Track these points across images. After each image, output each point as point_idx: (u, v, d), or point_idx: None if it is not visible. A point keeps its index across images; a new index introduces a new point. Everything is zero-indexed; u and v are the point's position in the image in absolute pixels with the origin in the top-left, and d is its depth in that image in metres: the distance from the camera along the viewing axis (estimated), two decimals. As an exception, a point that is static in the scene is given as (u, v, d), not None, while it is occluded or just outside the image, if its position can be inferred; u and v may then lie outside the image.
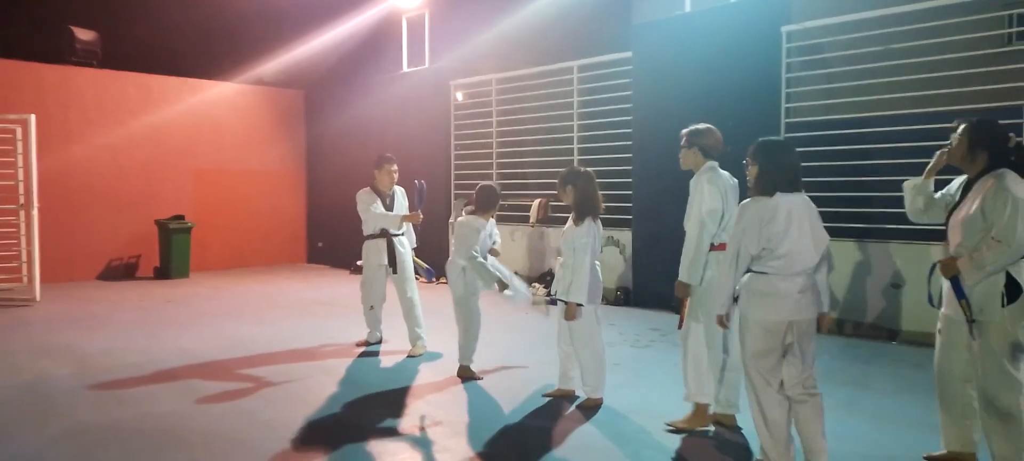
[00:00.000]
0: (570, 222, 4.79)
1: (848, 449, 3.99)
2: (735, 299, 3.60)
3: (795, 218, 3.44)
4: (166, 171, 12.31)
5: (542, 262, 10.06)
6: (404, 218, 6.33)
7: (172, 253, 11.55)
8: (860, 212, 7.16)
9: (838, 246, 7.12)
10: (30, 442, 4.19)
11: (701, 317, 4.23)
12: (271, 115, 13.71)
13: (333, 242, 13.36)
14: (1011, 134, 3.46)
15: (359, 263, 6.66)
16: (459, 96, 11.60)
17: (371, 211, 6.32)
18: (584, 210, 4.69)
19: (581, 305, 4.61)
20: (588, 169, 4.92)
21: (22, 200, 9.52)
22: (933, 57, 6.70)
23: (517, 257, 10.24)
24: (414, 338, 6.37)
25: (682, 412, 4.43)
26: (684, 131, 4.40)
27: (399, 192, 6.58)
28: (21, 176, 9.49)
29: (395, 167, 6.48)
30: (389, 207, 6.44)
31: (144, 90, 12.13)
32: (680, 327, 4.37)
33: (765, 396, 3.47)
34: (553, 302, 4.82)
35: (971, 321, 3.36)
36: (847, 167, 7.13)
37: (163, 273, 11.69)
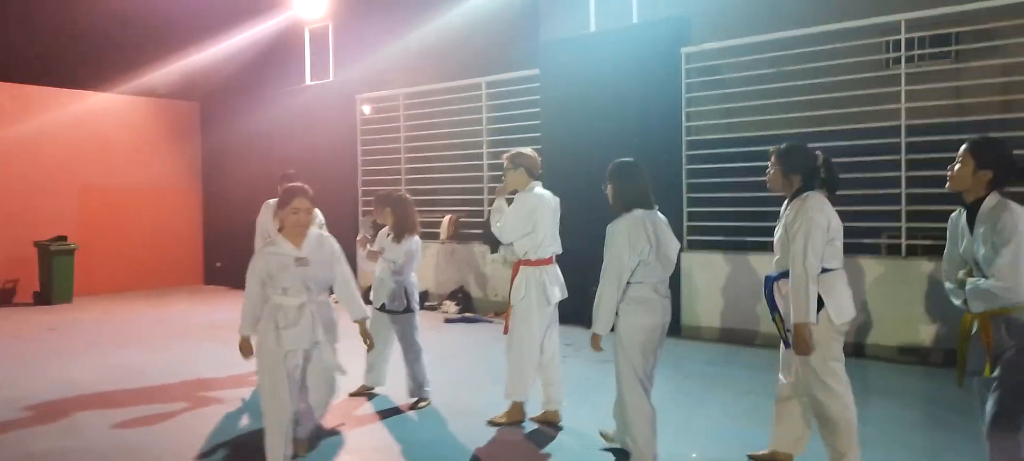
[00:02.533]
0: (390, 239, 5.36)
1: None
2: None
3: (658, 231, 3.86)
4: (47, 188, 11.45)
5: (452, 278, 9.97)
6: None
7: (53, 276, 10.73)
8: (759, 226, 7.47)
9: (739, 259, 7.40)
10: None
11: (519, 324, 4.64)
12: (163, 128, 13.02)
13: (232, 261, 12.76)
14: (817, 152, 3.76)
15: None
16: (366, 110, 11.38)
17: (256, 235, 6.25)
18: (403, 230, 5.33)
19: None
20: (404, 194, 5.58)
21: None
22: (822, 79, 7.09)
23: (427, 273, 10.10)
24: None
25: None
26: (510, 153, 4.85)
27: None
28: None
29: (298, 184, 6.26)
30: None
31: (21, 101, 11.26)
32: (505, 332, 4.76)
33: (645, 397, 3.83)
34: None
35: (787, 331, 3.64)
36: (745, 183, 7.42)
37: (44, 298, 10.83)
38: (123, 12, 13.28)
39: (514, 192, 4.78)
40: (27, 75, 11.62)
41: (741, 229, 7.45)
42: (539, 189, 4.76)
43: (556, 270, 4.79)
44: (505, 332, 4.79)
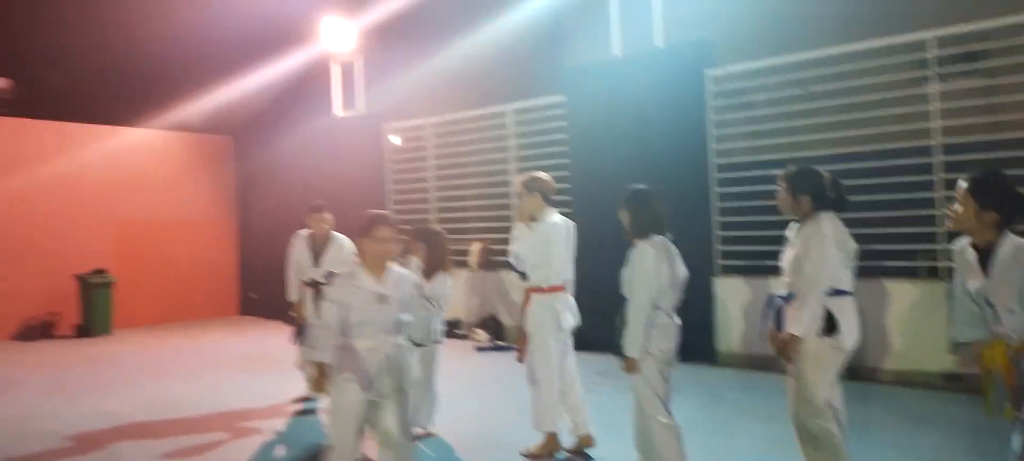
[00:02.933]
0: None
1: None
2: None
3: (672, 257, 3.93)
4: (86, 223, 11.75)
5: (485, 306, 9.98)
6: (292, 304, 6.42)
7: (93, 310, 10.98)
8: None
9: (771, 284, 7.30)
10: (-69, 528, 3.84)
11: (537, 354, 4.64)
12: (198, 162, 13.32)
13: (266, 292, 12.93)
14: (825, 173, 3.77)
15: (296, 329, 6.48)
16: (394, 140, 11.52)
17: (288, 264, 6.43)
18: (436, 266, 5.27)
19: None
20: (439, 229, 5.58)
21: (-75, 259, 8.92)
22: (852, 99, 7.02)
23: (456, 301, 10.12)
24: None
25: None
26: (525, 177, 4.89)
27: (337, 242, 6.42)
28: (-76, 233, 8.91)
29: (326, 216, 6.38)
30: (319, 254, 6.32)
31: (62, 138, 11.62)
32: (520, 361, 4.80)
33: (670, 415, 3.87)
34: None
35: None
36: (776, 206, 7.34)
37: (84, 331, 11.07)
38: (158, 49, 13.66)
39: (532, 217, 4.79)
40: (67, 113, 11.99)
41: (775, 253, 7.35)
42: (554, 216, 4.77)
43: (568, 297, 4.80)
44: (519, 361, 4.83)
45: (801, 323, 3.53)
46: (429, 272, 5.24)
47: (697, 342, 7.54)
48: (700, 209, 7.73)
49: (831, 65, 7.14)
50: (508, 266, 9.65)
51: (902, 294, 6.57)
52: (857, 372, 6.65)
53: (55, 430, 5.64)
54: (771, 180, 7.37)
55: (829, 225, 3.59)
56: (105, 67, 13.77)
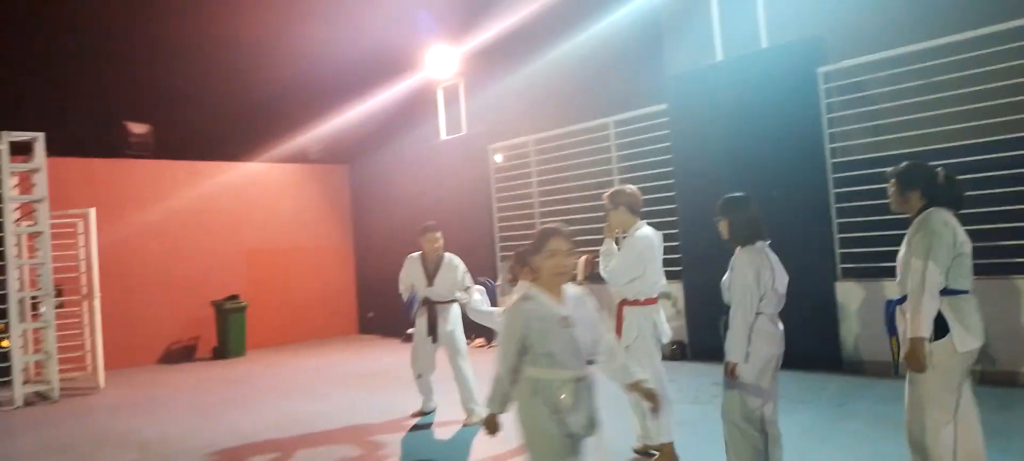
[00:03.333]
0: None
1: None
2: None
3: (773, 263, 3.87)
4: (218, 253, 12.65)
5: (591, 319, 9.93)
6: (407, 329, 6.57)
7: (228, 333, 11.78)
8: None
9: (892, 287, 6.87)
10: (98, 535, 4.23)
11: (646, 366, 4.52)
12: (317, 190, 14.07)
13: (383, 311, 13.45)
14: (939, 169, 3.62)
15: (409, 332, 6.70)
16: (498, 159, 11.73)
17: (400, 286, 6.61)
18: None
19: None
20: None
21: (84, 291, 9.87)
22: (976, 88, 6.54)
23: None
24: (467, 406, 6.32)
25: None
26: (610, 192, 4.93)
27: (448, 260, 6.58)
28: (83, 268, 9.86)
29: (438, 234, 6.55)
30: (432, 274, 6.49)
31: (194, 176, 12.59)
32: None
33: (751, 427, 3.83)
34: None
35: (897, 358, 3.53)
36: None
37: (221, 353, 11.90)
38: (276, 89, 14.60)
39: (623, 232, 4.78)
40: (197, 152, 12.99)
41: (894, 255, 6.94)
42: (645, 229, 4.76)
43: (661, 310, 4.77)
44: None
45: (912, 326, 3.36)
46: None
47: (820, 349, 7.22)
48: (818, 212, 7.39)
49: (951, 53, 6.69)
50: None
51: (1050, 293, 6.02)
52: (997, 377, 6.16)
53: (199, 447, 6.09)
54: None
55: (939, 222, 3.43)
56: (229, 108, 14.84)
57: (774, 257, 3.93)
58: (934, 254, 3.36)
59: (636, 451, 4.95)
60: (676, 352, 8.68)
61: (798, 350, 7.23)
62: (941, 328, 3.38)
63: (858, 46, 7.33)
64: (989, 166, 6.38)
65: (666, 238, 8.88)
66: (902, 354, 3.46)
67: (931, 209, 3.52)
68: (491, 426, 3.17)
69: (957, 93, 6.68)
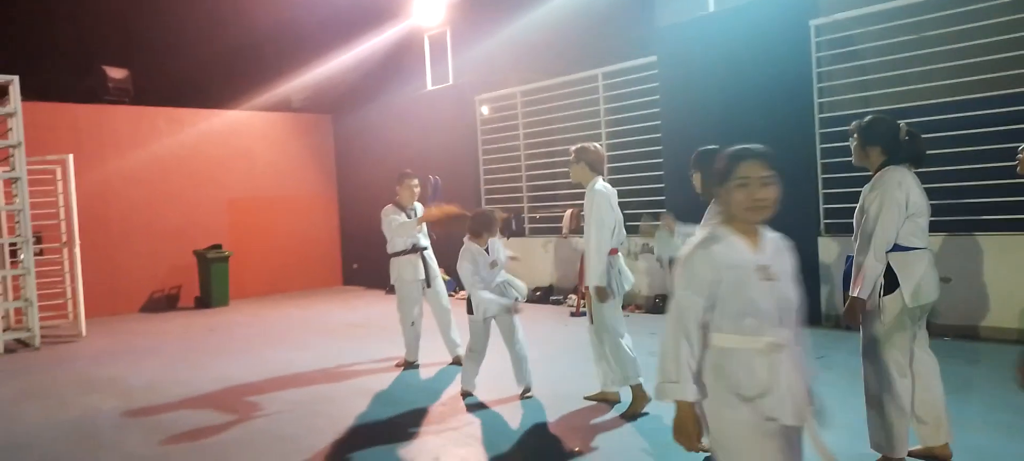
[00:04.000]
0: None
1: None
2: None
3: None
4: (201, 201, 12.51)
5: (575, 272, 9.98)
6: (420, 220, 6.39)
7: (211, 282, 11.72)
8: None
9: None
10: (81, 478, 4.24)
11: (608, 314, 4.80)
12: (300, 140, 13.88)
13: (367, 263, 13.43)
14: (901, 124, 3.61)
15: (392, 283, 6.69)
16: (485, 110, 11.61)
17: (392, 223, 6.42)
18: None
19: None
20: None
21: (64, 238, 9.75)
22: (972, 42, 6.50)
23: (547, 268, 10.18)
24: (453, 347, 6.41)
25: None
26: (576, 147, 5.03)
27: (420, 210, 6.57)
28: (62, 215, 9.73)
29: (416, 181, 6.51)
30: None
31: (175, 123, 12.37)
32: (592, 322, 4.90)
33: None
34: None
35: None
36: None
37: (204, 302, 11.86)
38: (259, 36, 14.30)
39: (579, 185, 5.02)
40: (178, 99, 12.75)
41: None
42: (602, 183, 4.91)
43: (621, 259, 4.97)
44: (592, 321, 4.93)
45: (853, 285, 3.45)
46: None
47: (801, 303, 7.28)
48: (804, 167, 7.40)
49: (941, 8, 6.63)
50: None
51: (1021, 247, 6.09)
52: (959, 331, 6.27)
53: (183, 393, 6.09)
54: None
55: (893, 182, 3.45)
56: (210, 55, 14.54)
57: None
58: (884, 215, 3.42)
59: (589, 398, 5.14)
60: (657, 305, 8.76)
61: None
62: (891, 283, 3.44)
63: (850, -1, 7.26)
64: (975, 123, 6.39)
65: (652, 191, 8.98)
66: (847, 305, 3.55)
67: (888, 167, 3.54)
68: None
69: (945, 49, 6.65)
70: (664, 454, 4.09)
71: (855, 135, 3.69)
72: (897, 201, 3.42)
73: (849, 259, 3.69)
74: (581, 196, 4.94)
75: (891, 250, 3.46)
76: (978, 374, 5.30)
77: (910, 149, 3.59)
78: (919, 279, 3.45)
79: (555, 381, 5.71)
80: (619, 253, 4.92)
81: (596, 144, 5.11)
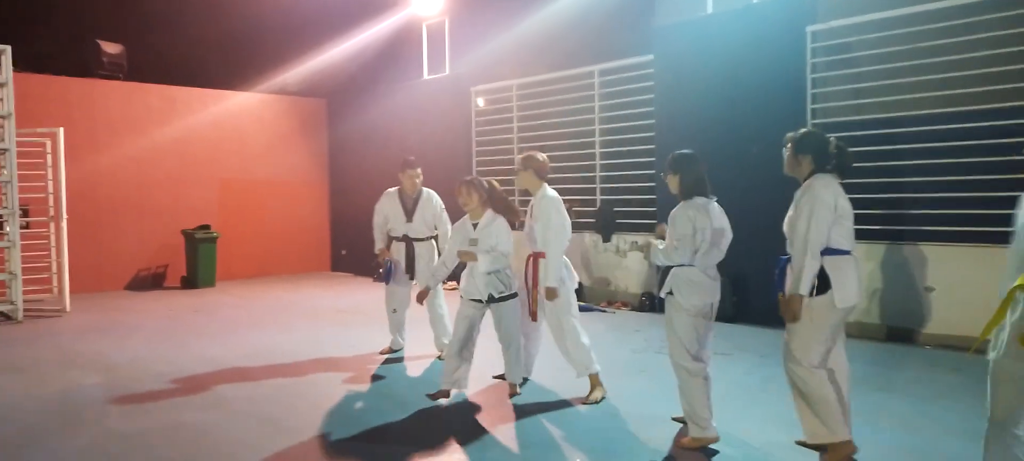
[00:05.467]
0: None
1: (880, 456, 3.90)
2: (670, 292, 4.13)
3: (717, 217, 4.13)
4: (191, 181, 12.44)
5: (565, 268, 9.99)
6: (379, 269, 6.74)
7: (199, 262, 11.66)
8: (891, 213, 7.02)
9: (869, 248, 6.98)
10: (58, 451, 4.23)
11: (566, 310, 5.11)
12: (294, 124, 13.82)
13: (356, 250, 13.40)
14: (831, 137, 3.82)
15: (382, 270, 6.69)
16: (480, 102, 11.60)
17: (375, 218, 6.66)
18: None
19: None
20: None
21: (52, 212, 9.68)
22: (964, 55, 6.54)
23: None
24: (440, 344, 6.38)
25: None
26: (523, 155, 5.32)
27: (426, 196, 6.55)
28: (50, 188, 9.66)
29: (418, 171, 6.49)
30: (411, 211, 6.47)
31: (168, 101, 12.28)
32: (534, 319, 5.21)
33: (693, 364, 4.06)
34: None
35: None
36: (877, 168, 6.99)
37: (190, 282, 11.80)
38: (257, 16, 14.22)
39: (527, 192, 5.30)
40: (172, 77, 12.67)
41: (872, 217, 7.03)
42: (551, 190, 5.26)
43: (567, 260, 5.25)
44: (533, 319, 5.22)
45: (793, 283, 3.62)
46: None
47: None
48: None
49: (939, 19, 6.67)
50: (592, 227, 9.66)
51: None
52: (893, 334, 6.32)
53: (166, 372, 6.07)
54: (871, 141, 7.04)
55: (821, 185, 3.65)
56: (206, 34, 14.46)
57: (718, 210, 4.18)
58: (816, 217, 3.58)
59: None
60: (644, 303, 8.78)
61: (762, 306, 7.37)
62: (823, 284, 3.61)
63: (848, 6, 7.28)
64: (977, 136, 6.43)
65: (644, 190, 8.99)
66: (785, 303, 3.71)
67: (817, 175, 3.74)
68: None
69: (939, 61, 6.69)
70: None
71: (789, 145, 3.87)
72: (827, 204, 3.60)
73: (781, 260, 3.85)
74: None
75: (825, 253, 3.62)
76: (959, 383, 5.34)
77: (838, 161, 3.79)
78: (848, 282, 3.62)
79: (553, 374, 5.72)
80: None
81: (542, 154, 5.38)
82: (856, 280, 3.66)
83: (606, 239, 9.30)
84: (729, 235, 4.20)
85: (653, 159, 8.85)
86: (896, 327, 6.83)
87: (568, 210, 10.37)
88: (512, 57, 11.01)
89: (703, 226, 4.02)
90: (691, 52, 8.38)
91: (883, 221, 7.03)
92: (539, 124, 10.58)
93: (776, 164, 4.10)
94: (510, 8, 10.85)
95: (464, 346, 5.10)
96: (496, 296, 5.03)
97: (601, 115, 9.70)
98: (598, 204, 9.67)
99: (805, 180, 3.78)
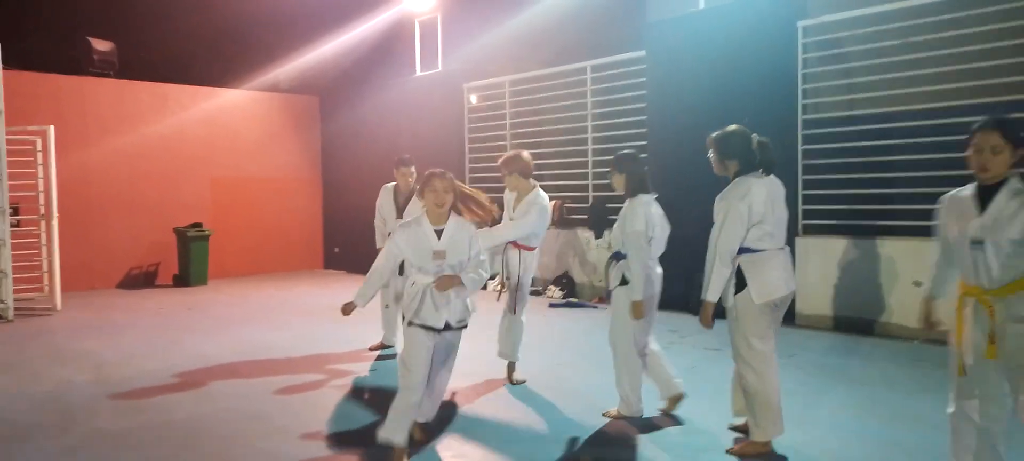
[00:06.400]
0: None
1: (868, 450, 3.92)
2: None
3: (655, 214, 4.35)
4: (183, 179, 12.40)
5: (560, 263, 10.01)
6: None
7: (191, 260, 11.63)
8: (881, 209, 7.06)
9: (860, 244, 7.02)
10: (49, 449, 4.21)
11: (525, 301, 5.40)
12: (286, 121, 13.78)
13: (349, 247, 13.39)
14: (753, 135, 3.85)
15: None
16: (473, 98, 11.59)
17: (375, 219, 6.69)
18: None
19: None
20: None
21: (42, 210, 9.63)
22: (956, 50, 6.58)
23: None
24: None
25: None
26: (505, 159, 5.30)
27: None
28: (41, 186, 9.60)
29: (412, 169, 6.49)
30: (401, 208, 6.47)
31: (160, 98, 12.23)
32: (514, 310, 5.36)
33: (636, 353, 4.43)
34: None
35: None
36: (868, 163, 7.03)
37: (182, 280, 11.77)
38: (250, 13, 14.15)
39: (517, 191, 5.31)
40: (164, 75, 12.61)
41: (862, 212, 7.07)
42: (543, 195, 5.28)
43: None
44: (513, 310, 5.34)
45: (706, 288, 3.75)
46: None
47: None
48: (785, 167, 7.42)
49: (929, 14, 6.71)
50: (585, 224, 9.67)
51: None
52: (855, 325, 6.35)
53: (157, 370, 6.05)
54: (861, 136, 7.08)
55: (737, 195, 3.72)
56: (198, 30, 14.38)
57: (659, 209, 4.41)
58: (727, 225, 3.69)
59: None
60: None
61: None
62: (741, 283, 3.73)
63: (839, 1, 7.30)
64: (954, 130, 6.45)
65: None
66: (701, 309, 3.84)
67: (738, 178, 3.80)
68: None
69: (930, 56, 6.72)
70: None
71: (711, 147, 3.91)
72: (740, 213, 3.68)
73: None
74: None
75: (741, 253, 3.74)
76: (945, 376, 5.36)
77: (762, 157, 3.82)
78: (765, 278, 3.71)
79: (552, 370, 5.73)
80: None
81: (524, 152, 5.36)
82: (778, 273, 3.75)
83: (598, 235, 9.31)
84: (668, 230, 4.50)
85: (645, 155, 8.86)
86: (886, 322, 6.86)
87: (561, 208, 10.43)
88: (505, 53, 11.01)
89: (652, 221, 4.27)
90: (683, 48, 8.40)
91: (874, 216, 7.07)
92: (532, 120, 10.59)
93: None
94: (502, 4, 10.85)
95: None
96: (454, 324, 3.86)
97: (593, 111, 9.71)
98: (590, 200, 9.69)
99: (733, 180, 3.85)
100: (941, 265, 3.21)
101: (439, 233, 3.77)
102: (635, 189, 4.38)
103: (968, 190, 2.99)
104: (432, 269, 3.73)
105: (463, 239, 3.80)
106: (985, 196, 2.90)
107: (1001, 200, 2.85)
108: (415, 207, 5.54)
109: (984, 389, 2.95)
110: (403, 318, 3.83)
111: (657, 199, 4.47)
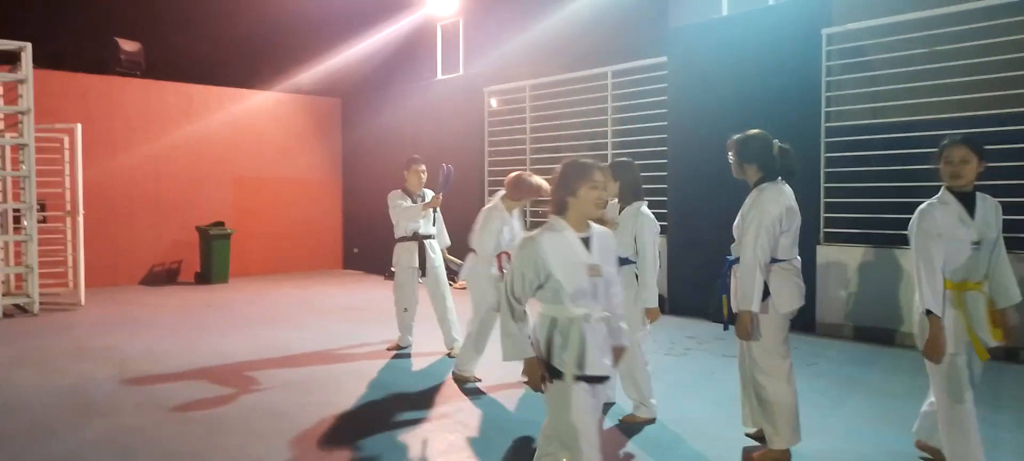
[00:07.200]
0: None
1: (885, 460, 3.88)
2: None
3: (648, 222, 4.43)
4: (207, 179, 12.55)
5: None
6: (426, 205, 6.34)
7: (212, 259, 11.76)
8: (904, 218, 6.96)
9: (881, 253, 6.94)
10: (71, 442, 4.28)
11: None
12: (309, 123, 13.91)
13: (368, 248, 13.47)
14: (775, 141, 3.80)
15: (392, 269, 6.71)
16: (493, 102, 11.62)
17: (397, 207, 6.38)
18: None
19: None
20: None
21: (69, 207, 9.79)
22: (980, 59, 6.49)
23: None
24: (450, 342, 6.39)
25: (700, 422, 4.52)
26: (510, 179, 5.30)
27: (429, 195, 6.58)
28: (68, 184, 9.77)
29: (423, 167, 6.51)
30: None
31: (185, 99, 12.39)
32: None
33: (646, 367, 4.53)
34: None
35: (731, 314, 3.82)
36: (892, 172, 6.94)
37: (204, 278, 11.90)
38: (274, 17, 14.32)
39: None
40: (189, 75, 12.78)
41: (884, 221, 6.98)
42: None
43: None
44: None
45: (742, 299, 3.66)
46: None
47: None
48: (807, 175, 7.38)
49: (954, 23, 6.62)
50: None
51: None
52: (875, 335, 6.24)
53: (178, 366, 6.13)
54: (884, 145, 7.00)
55: (769, 198, 3.66)
56: (224, 33, 14.57)
57: (650, 216, 4.48)
58: (762, 232, 3.61)
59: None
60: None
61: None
62: (763, 292, 3.68)
63: (864, 9, 7.24)
64: (992, 140, 6.36)
65: (656, 191, 8.96)
66: (737, 319, 3.73)
67: (765, 184, 3.73)
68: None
69: (954, 65, 6.63)
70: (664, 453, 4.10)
71: (732, 150, 3.87)
72: (773, 218, 3.63)
73: (727, 261, 3.86)
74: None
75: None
76: (884, 375, 5.28)
77: (783, 164, 3.78)
78: (785, 290, 3.70)
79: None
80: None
81: (537, 177, 5.31)
82: (794, 286, 3.74)
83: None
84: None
85: (665, 161, 8.84)
86: (907, 332, 6.76)
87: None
88: (525, 58, 11.03)
89: (652, 228, 4.39)
90: (705, 54, 8.36)
91: (896, 226, 6.97)
92: (552, 125, 10.59)
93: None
94: (524, 9, 10.87)
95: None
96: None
97: (614, 116, 9.69)
98: (605, 204, 9.65)
99: (754, 187, 3.79)
100: (937, 277, 3.29)
101: (585, 242, 2.89)
102: (631, 196, 4.44)
103: (948, 200, 3.37)
104: (587, 290, 2.82)
105: (610, 249, 2.97)
106: (967, 204, 3.34)
107: (981, 206, 3.35)
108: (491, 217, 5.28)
109: (971, 376, 3.34)
110: (546, 367, 2.87)
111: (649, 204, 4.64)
